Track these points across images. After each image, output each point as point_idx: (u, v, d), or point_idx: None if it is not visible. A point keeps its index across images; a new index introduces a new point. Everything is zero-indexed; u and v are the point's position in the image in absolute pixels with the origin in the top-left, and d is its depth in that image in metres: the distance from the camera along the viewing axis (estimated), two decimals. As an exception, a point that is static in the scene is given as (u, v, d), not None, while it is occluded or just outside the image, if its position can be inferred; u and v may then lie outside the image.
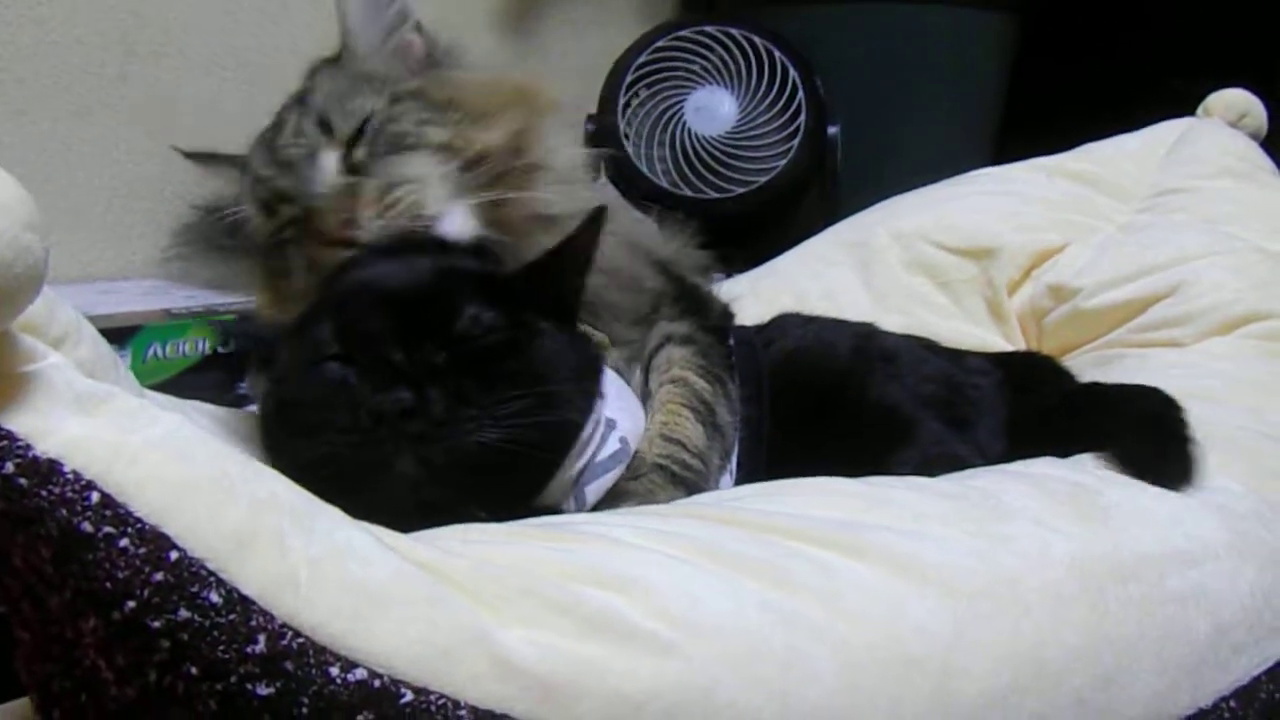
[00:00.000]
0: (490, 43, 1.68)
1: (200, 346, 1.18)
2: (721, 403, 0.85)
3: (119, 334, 1.13)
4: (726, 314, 0.99)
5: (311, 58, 0.92)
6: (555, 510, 0.70)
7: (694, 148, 1.60)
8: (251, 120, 1.41)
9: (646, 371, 0.85)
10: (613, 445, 0.74)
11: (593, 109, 1.64)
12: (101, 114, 1.34)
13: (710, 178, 1.59)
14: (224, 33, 1.41)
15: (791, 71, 1.59)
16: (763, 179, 1.58)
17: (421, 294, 0.70)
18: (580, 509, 0.71)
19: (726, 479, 0.83)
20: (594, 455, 0.73)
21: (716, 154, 1.59)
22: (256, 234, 0.87)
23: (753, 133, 1.60)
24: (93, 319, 1.10)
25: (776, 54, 1.60)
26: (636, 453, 0.77)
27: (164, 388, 1.10)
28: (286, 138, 0.85)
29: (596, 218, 0.75)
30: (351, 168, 0.82)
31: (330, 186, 0.81)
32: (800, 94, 1.59)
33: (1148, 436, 0.77)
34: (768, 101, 1.60)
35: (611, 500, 0.74)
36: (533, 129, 0.87)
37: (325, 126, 0.83)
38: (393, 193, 0.79)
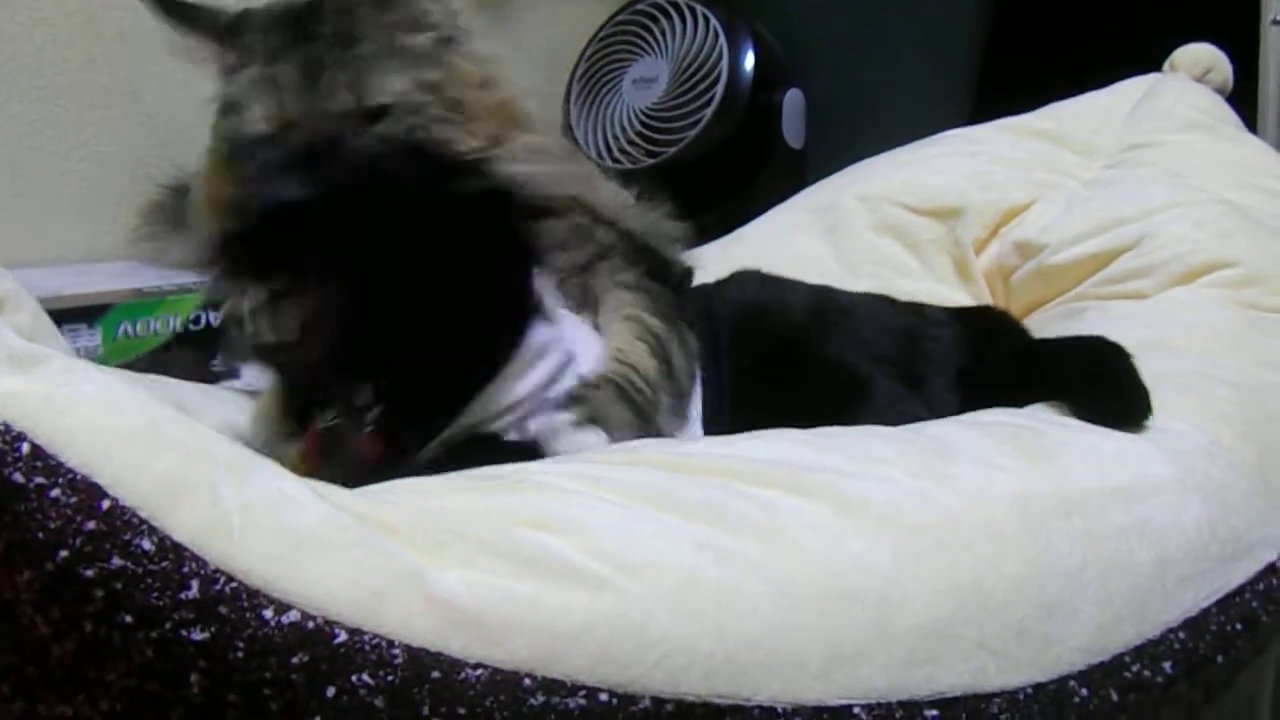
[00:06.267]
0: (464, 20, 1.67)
1: (171, 324, 1.19)
2: (674, 343, 0.85)
3: (89, 313, 1.14)
4: (687, 273, 0.99)
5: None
6: (492, 436, 0.70)
7: (624, 120, 1.57)
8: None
9: (596, 313, 0.85)
10: (569, 382, 0.75)
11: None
12: (69, 97, 1.34)
13: (631, 151, 1.56)
14: (190, 14, 1.41)
15: (720, 39, 1.53)
16: (671, 150, 1.53)
17: None
18: (521, 438, 0.72)
19: (697, 428, 0.83)
20: (546, 387, 0.73)
21: (640, 126, 1.56)
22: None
23: (675, 103, 1.56)
24: (62, 299, 1.13)
25: (712, 21, 1.55)
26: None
27: (136, 365, 1.11)
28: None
29: None
30: None
31: None
32: (723, 62, 1.53)
33: (1097, 382, 0.78)
34: (692, 70, 1.55)
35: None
36: (506, 138, 0.85)
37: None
38: None
